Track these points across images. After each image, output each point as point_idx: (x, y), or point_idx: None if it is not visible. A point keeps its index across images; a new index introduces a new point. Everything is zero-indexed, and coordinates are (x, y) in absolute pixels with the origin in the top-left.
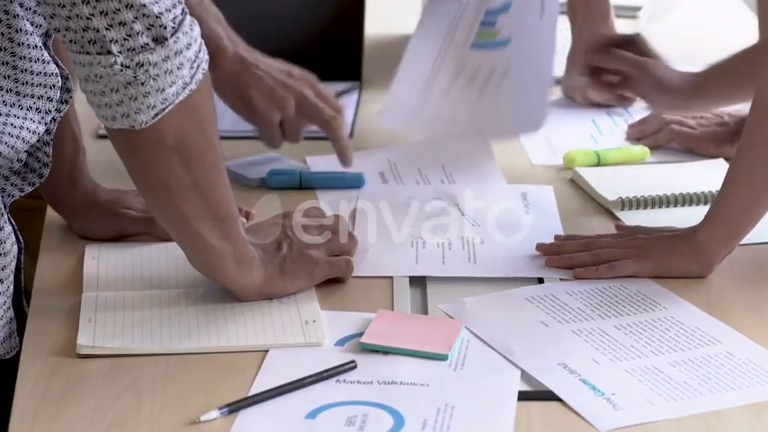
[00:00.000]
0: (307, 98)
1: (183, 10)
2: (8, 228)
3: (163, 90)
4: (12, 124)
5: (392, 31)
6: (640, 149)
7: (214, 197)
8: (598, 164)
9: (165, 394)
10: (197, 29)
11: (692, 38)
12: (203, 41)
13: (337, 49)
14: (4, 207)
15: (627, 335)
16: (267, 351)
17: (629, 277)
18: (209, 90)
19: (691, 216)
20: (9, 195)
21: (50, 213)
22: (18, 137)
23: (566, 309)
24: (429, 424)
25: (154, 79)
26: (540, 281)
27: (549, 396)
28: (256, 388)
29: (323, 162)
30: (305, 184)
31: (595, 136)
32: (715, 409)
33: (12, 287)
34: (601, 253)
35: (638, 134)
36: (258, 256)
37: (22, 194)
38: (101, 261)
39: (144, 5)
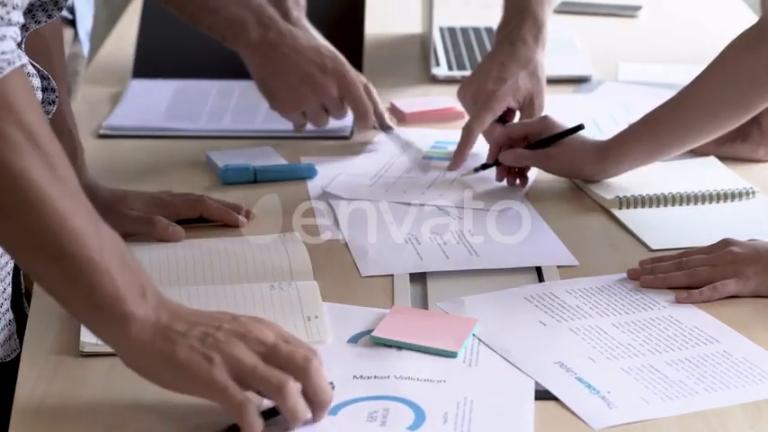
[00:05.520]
0: (330, 99)
1: None
2: None
3: None
4: None
5: (392, 31)
6: None
7: (34, 225)
8: None
9: (166, 394)
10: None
11: (692, 38)
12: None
13: (337, 48)
14: None
15: (624, 333)
16: None
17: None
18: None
19: (689, 215)
20: None
21: None
22: None
23: (564, 307)
24: (450, 417)
25: None
26: (539, 271)
27: (547, 396)
28: None
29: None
30: (260, 178)
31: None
32: (711, 408)
33: (10, 288)
34: (698, 272)
35: None
36: (153, 307)
37: None
38: None
39: None
